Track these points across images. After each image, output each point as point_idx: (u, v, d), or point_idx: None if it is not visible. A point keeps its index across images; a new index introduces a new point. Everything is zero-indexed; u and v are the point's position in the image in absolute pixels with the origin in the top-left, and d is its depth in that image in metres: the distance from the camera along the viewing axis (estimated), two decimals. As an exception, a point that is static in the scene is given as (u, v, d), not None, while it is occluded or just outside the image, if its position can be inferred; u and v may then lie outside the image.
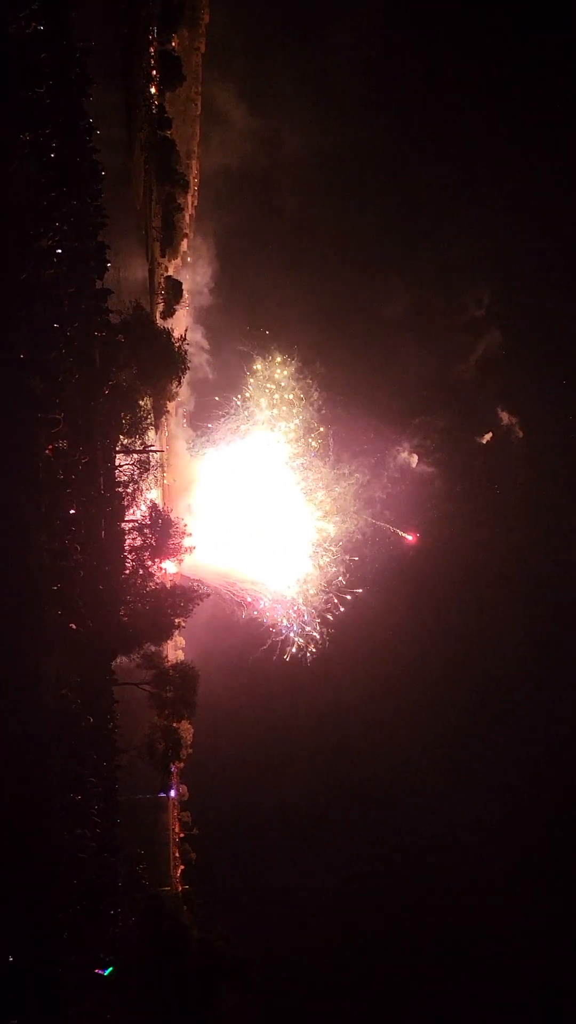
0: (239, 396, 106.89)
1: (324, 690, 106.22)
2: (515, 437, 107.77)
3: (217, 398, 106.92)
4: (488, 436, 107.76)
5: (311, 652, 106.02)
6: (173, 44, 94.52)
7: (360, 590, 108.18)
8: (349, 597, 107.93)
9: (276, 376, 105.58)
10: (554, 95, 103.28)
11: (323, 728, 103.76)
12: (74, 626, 75.12)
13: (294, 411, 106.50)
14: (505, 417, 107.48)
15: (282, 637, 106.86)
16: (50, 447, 75.52)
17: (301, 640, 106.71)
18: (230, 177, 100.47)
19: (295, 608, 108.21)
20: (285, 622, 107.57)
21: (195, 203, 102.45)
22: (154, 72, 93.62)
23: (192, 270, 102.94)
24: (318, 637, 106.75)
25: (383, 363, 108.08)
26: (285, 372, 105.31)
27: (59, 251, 73.91)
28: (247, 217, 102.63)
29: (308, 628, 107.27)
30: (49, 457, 75.08)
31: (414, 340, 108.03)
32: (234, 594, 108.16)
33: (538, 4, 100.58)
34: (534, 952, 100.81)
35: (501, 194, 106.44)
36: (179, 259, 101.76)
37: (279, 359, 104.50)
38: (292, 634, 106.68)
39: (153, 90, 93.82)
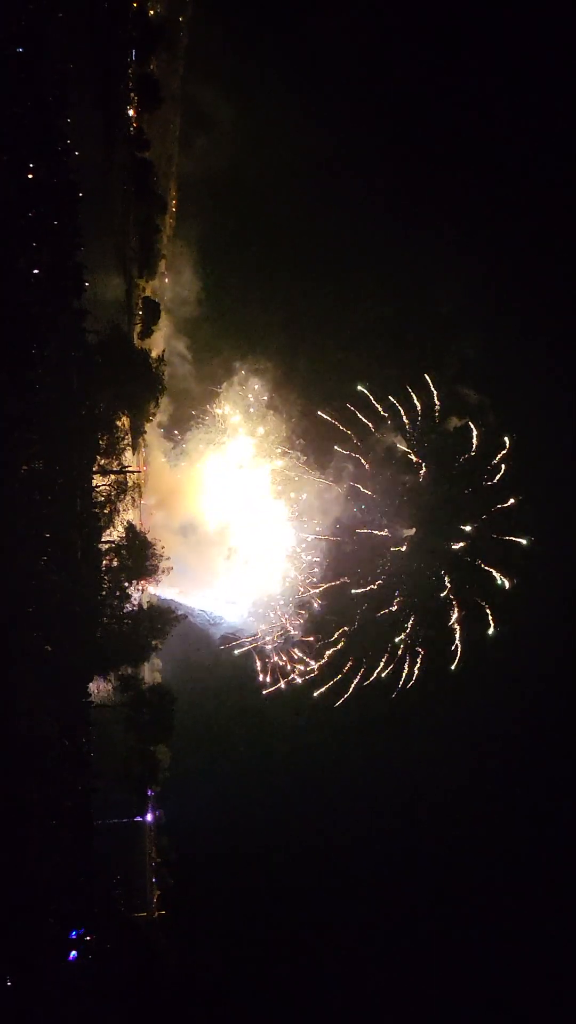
0: (219, 407, 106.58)
1: (305, 712, 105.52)
2: (488, 421, 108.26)
3: (194, 412, 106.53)
4: (457, 422, 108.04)
5: (291, 667, 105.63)
6: (152, 67, 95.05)
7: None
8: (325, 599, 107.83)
9: (256, 388, 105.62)
10: (550, 99, 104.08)
11: (304, 750, 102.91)
12: (50, 648, 74.68)
13: (274, 421, 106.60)
14: (473, 397, 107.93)
15: (265, 658, 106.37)
16: (26, 467, 75.36)
17: (281, 658, 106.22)
18: (213, 184, 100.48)
19: (275, 624, 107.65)
20: (265, 639, 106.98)
21: (173, 224, 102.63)
22: (133, 94, 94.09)
23: (175, 277, 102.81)
24: (298, 656, 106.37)
25: (360, 361, 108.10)
26: (264, 390, 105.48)
27: (36, 271, 74.20)
28: (230, 224, 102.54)
29: (289, 646, 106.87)
30: (25, 477, 74.92)
31: (392, 341, 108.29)
32: (208, 614, 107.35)
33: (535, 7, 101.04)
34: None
35: (492, 201, 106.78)
36: (156, 279, 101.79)
37: (258, 367, 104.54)
38: (272, 649, 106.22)
39: (131, 112, 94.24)
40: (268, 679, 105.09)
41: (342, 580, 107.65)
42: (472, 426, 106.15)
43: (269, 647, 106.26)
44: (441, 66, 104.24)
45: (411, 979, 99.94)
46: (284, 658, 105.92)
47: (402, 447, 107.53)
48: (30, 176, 73.16)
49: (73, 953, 76.07)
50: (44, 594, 74.38)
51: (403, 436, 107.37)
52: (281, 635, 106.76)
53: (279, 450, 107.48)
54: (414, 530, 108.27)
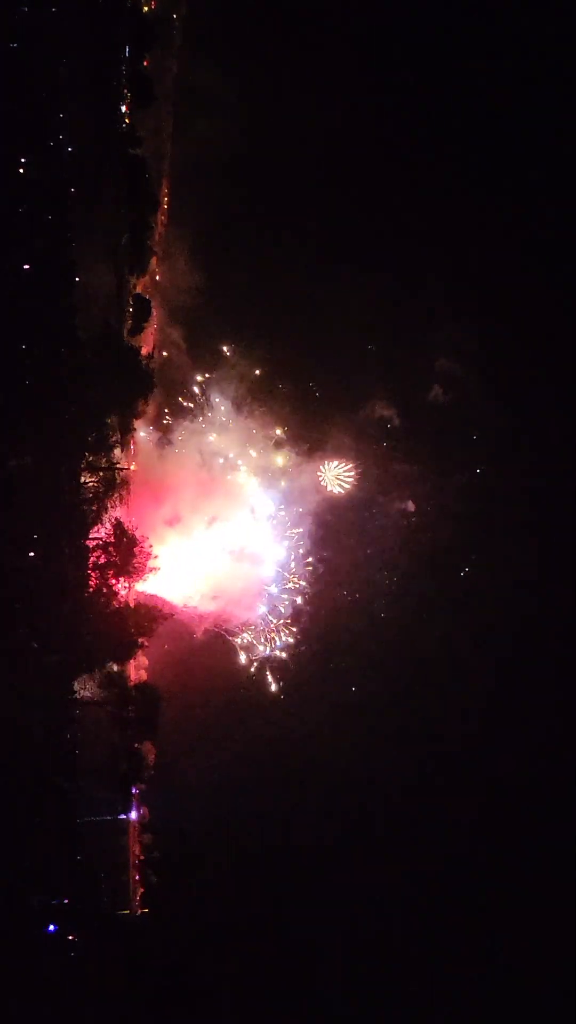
0: (209, 397, 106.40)
1: (292, 707, 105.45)
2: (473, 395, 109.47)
3: (184, 403, 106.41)
4: (439, 393, 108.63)
5: (278, 655, 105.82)
6: (145, 64, 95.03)
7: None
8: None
9: (249, 377, 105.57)
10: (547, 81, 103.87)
11: (290, 747, 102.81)
12: (36, 644, 74.60)
13: (267, 410, 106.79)
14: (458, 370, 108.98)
15: (251, 655, 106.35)
16: (14, 463, 75.22)
17: (268, 653, 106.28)
18: (206, 180, 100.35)
19: (263, 620, 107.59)
20: (251, 636, 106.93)
21: (165, 220, 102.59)
22: (126, 91, 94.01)
23: (170, 265, 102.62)
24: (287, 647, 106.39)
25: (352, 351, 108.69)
26: (256, 380, 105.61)
27: (26, 267, 74.12)
28: (223, 218, 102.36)
29: (276, 643, 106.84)
30: (13, 473, 74.78)
31: (385, 332, 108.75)
32: (192, 609, 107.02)
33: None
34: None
35: (490, 190, 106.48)
36: (147, 277, 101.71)
37: (250, 357, 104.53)
38: (259, 647, 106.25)
39: (124, 109, 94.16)
40: (251, 667, 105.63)
41: (330, 557, 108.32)
42: (442, 393, 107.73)
43: (257, 640, 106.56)
44: (432, 60, 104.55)
45: (402, 975, 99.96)
46: (270, 645, 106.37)
47: (393, 424, 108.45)
48: (21, 171, 73.10)
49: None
50: (31, 590, 74.27)
51: (396, 412, 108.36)
52: (271, 613, 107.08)
53: (273, 435, 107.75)
54: (412, 506, 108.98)
